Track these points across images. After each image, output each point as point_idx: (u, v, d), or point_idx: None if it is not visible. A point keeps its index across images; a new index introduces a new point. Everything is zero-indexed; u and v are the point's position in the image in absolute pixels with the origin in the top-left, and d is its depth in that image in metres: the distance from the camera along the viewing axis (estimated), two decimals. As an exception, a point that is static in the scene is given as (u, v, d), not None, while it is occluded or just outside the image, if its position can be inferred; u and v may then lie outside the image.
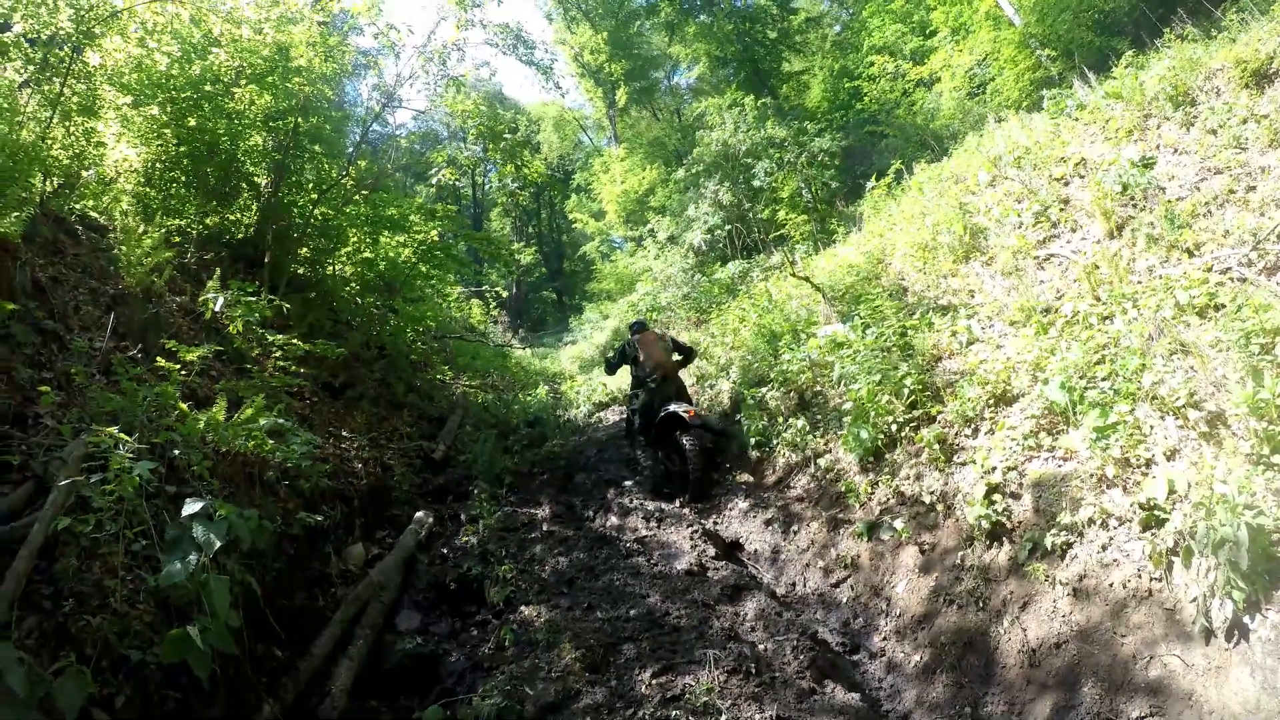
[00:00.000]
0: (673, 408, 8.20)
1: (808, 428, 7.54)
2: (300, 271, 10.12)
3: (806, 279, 10.22)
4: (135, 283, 6.53)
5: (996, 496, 4.93)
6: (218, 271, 7.05)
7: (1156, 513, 3.95)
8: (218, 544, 3.72)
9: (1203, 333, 4.74)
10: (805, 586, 6.25)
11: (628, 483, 8.95)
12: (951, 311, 7.18)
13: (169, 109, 8.17)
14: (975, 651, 4.52)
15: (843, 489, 6.55)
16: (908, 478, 5.92)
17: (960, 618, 4.77)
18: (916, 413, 6.24)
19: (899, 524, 5.67)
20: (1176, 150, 6.91)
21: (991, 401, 5.68)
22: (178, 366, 5.28)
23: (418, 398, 11.14)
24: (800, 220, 17.68)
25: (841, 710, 4.29)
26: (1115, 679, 3.69)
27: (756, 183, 17.99)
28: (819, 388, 7.88)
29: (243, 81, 8.88)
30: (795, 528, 6.90)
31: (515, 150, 11.68)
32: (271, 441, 5.41)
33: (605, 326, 24.90)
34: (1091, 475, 4.50)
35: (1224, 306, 4.89)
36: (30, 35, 7.22)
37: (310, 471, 5.92)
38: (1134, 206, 6.58)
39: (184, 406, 4.99)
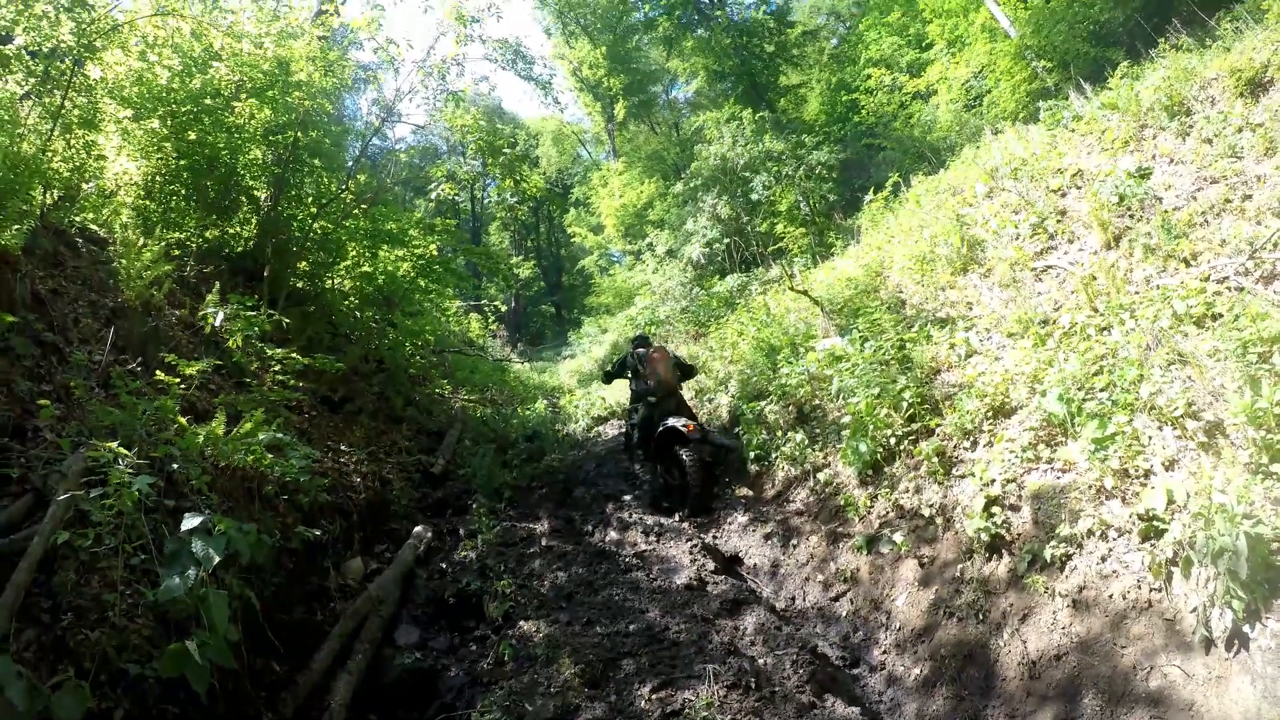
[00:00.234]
0: (672, 422, 8.19)
1: (806, 441, 7.54)
2: (299, 285, 10.13)
3: (805, 292, 10.23)
4: (135, 296, 6.54)
5: (995, 509, 4.93)
6: (217, 285, 7.07)
7: (1155, 523, 3.95)
8: (217, 559, 3.72)
9: (1200, 342, 4.75)
10: (805, 600, 6.24)
11: (627, 497, 8.93)
12: (949, 324, 7.19)
13: (169, 122, 8.20)
14: (975, 664, 4.51)
15: (842, 502, 6.54)
16: (907, 491, 5.92)
17: (960, 630, 4.76)
18: (915, 426, 6.24)
19: (898, 537, 5.67)
20: (1173, 160, 6.93)
21: (990, 414, 5.68)
22: (177, 380, 5.28)
23: (416, 412, 11.13)
24: (798, 233, 17.72)
25: (842, 723, 4.28)
26: (1116, 690, 3.69)
27: (755, 196, 18.02)
28: (818, 401, 7.88)
29: (243, 95, 8.91)
30: (794, 541, 6.88)
31: (514, 165, 11.71)
32: (270, 456, 5.41)
33: (604, 340, 24.89)
34: (1090, 486, 4.50)
35: (1221, 316, 4.91)
36: (32, 48, 7.26)
37: (309, 486, 5.91)
38: (1131, 217, 6.60)
39: (183, 420, 5.00)
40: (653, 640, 5.16)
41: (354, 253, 10.71)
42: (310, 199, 9.92)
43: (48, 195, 7.37)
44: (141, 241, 7.09)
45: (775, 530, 7.17)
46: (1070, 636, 4.09)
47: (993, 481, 5.08)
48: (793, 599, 6.34)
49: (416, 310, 12.64)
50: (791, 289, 11.01)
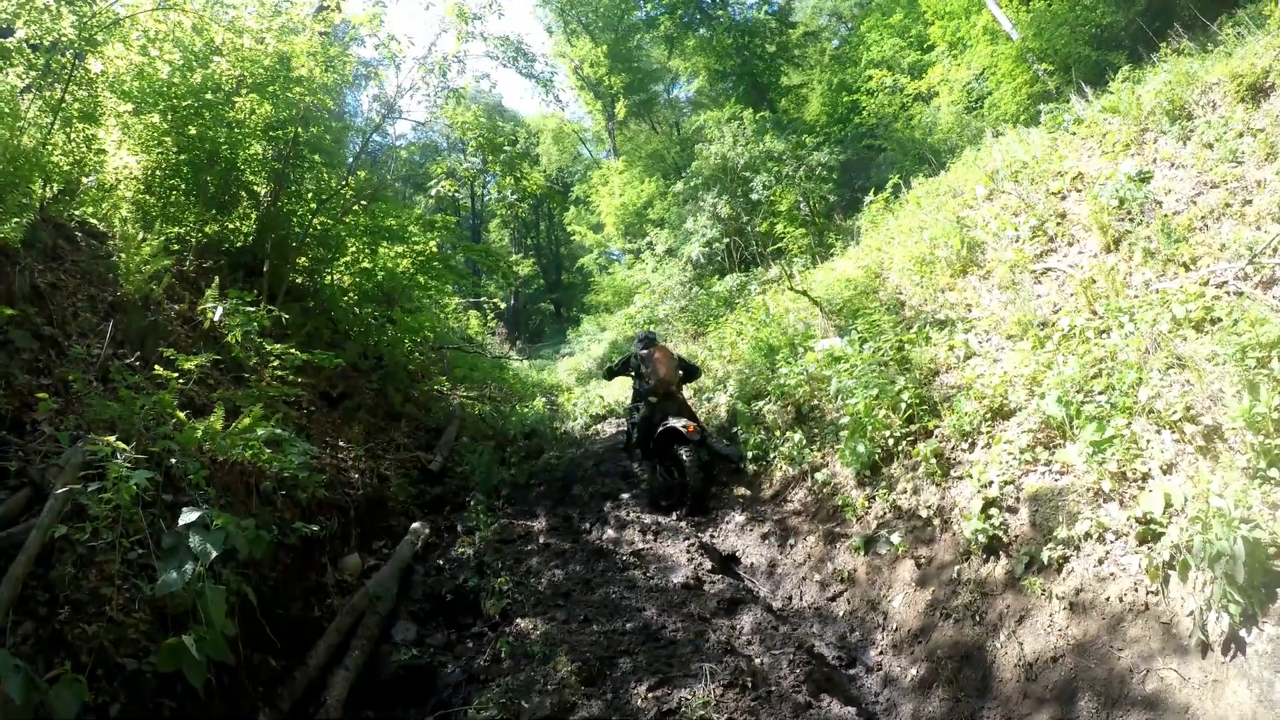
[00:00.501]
0: (673, 422, 8.19)
1: (805, 441, 7.54)
2: (299, 281, 10.13)
3: (804, 292, 10.24)
4: (134, 290, 6.53)
5: (993, 511, 4.93)
6: (216, 280, 7.06)
7: (1153, 527, 3.95)
8: (214, 553, 3.73)
9: (1199, 347, 4.76)
10: (802, 600, 6.24)
11: (624, 495, 8.92)
12: (949, 325, 7.19)
13: (170, 117, 8.19)
14: (972, 665, 4.51)
15: (840, 503, 6.54)
16: (905, 492, 5.92)
17: (957, 632, 4.76)
18: (913, 427, 6.24)
19: (896, 538, 5.67)
20: (1173, 164, 6.94)
21: (988, 416, 5.69)
22: (176, 375, 5.28)
23: (415, 408, 11.13)
24: (798, 234, 17.74)
25: (838, 723, 4.28)
26: (1112, 693, 3.69)
27: (755, 196, 18.04)
28: (816, 401, 7.88)
29: (243, 90, 8.90)
30: (792, 541, 6.89)
31: (514, 162, 11.69)
32: (269, 451, 5.41)
33: (603, 339, 24.91)
34: (1088, 489, 4.50)
35: (1220, 320, 4.91)
36: (33, 41, 7.25)
37: (307, 481, 5.90)
38: (1131, 221, 6.60)
39: (181, 415, 4.99)
40: (649, 639, 5.16)
41: (354, 249, 10.70)
42: (310, 195, 9.91)
43: (48, 189, 7.37)
44: (141, 236, 7.07)
45: (773, 530, 7.17)
46: (1067, 639, 4.09)
47: (990, 483, 5.09)
48: (790, 599, 6.34)
49: (416, 307, 12.64)
50: (791, 289, 11.02)
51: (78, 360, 5.41)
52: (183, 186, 8.67)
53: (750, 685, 4.45)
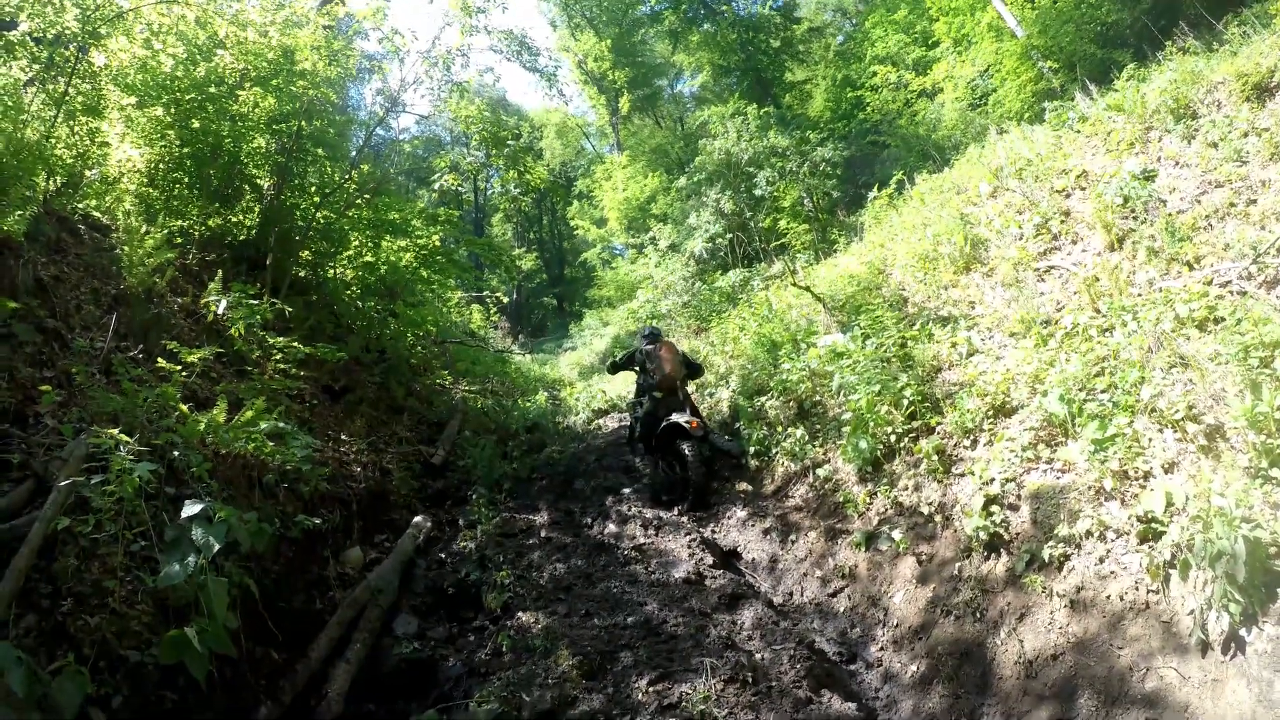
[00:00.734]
0: (676, 417, 8.19)
1: (806, 437, 7.55)
2: (302, 274, 10.13)
3: (807, 288, 10.23)
4: (137, 283, 6.54)
5: (994, 508, 4.94)
6: (219, 273, 7.06)
7: (1154, 525, 3.95)
8: (216, 546, 3.73)
9: (1202, 346, 4.75)
10: (803, 596, 6.25)
11: (626, 490, 8.93)
12: (952, 322, 7.19)
13: (173, 110, 8.18)
14: (972, 662, 4.52)
15: (841, 499, 6.55)
16: (906, 488, 5.93)
17: (957, 628, 4.77)
18: (915, 423, 6.24)
19: (897, 534, 5.68)
20: (1177, 163, 6.93)
21: (990, 413, 5.69)
22: (179, 368, 5.29)
23: (417, 402, 11.13)
24: (801, 229, 17.71)
25: None
26: (1112, 691, 3.70)
27: (758, 192, 18.01)
28: (818, 397, 7.88)
29: (247, 84, 8.91)
30: (793, 537, 6.90)
31: (518, 156, 11.69)
32: (271, 444, 5.41)
33: (605, 333, 24.89)
34: (1090, 487, 4.50)
35: (1223, 320, 4.91)
36: (36, 34, 7.25)
37: (309, 475, 5.91)
38: (1135, 219, 6.59)
39: (184, 408, 5.00)
40: (651, 633, 5.17)
41: (356, 242, 10.70)
42: (313, 188, 9.90)
43: (51, 182, 7.36)
44: (144, 229, 7.08)
45: (774, 525, 7.18)
46: (1067, 636, 4.10)
47: (992, 480, 5.09)
48: (791, 594, 6.35)
49: (418, 300, 12.64)
50: (794, 285, 11.00)
51: (81, 353, 5.41)
52: (186, 180, 8.67)
53: (751, 680, 4.46)
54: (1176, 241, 5.94)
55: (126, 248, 6.74)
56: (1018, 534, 4.78)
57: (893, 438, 6.29)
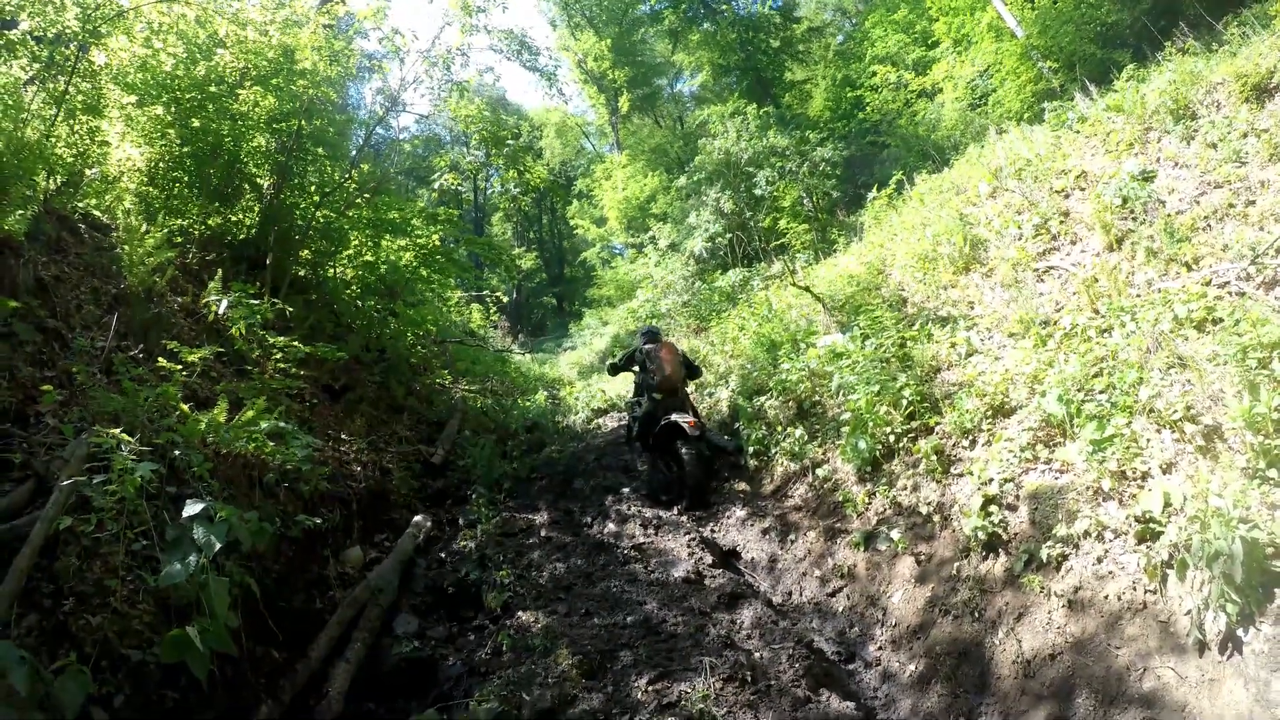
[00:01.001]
0: (674, 417, 8.21)
1: (806, 437, 7.56)
2: (302, 274, 10.14)
3: (807, 288, 10.25)
4: (137, 282, 6.55)
5: (993, 508, 4.95)
6: (219, 272, 7.07)
7: (1152, 526, 3.96)
8: (218, 545, 3.74)
9: (1200, 347, 4.76)
10: (802, 595, 6.26)
11: (626, 490, 8.95)
12: (951, 323, 7.20)
13: (173, 109, 8.19)
14: (970, 662, 4.53)
15: (840, 499, 6.56)
16: (905, 488, 5.94)
17: (956, 628, 4.78)
18: (914, 424, 6.25)
19: (896, 534, 5.69)
20: (1177, 164, 6.94)
21: (989, 413, 5.70)
22: (179, 367, 5.30)
23: (417, 401, 11.14)
24: (801, 229, 17.73)
25: (837, 719, 4.30)
26: (1109, 690, 3.71)
27: (758, 191, 18.02)
28: (818, 397, 7.90)
29: (247, 83, 8.91)
30: (792, 537, 6.91)
31: (518, 156, 11.71)
32: (272, 444, 5.42)
33: (605, 333, 24.91)
34: (1088, 488, 4.51)
35: (1222, 320, 4.91)
36: (36, 33, 7.25)
37: (309, 474, 5.92)
38: (1134, 220, 6.60)
39: (185, 407, 5.01)
40: (650, 632, 5.18)
41: (356, 242, 10.71)
42: (313, 187, 9.91)
43: (51, 180, 7.37)
44: (144, 228, 7.08)
45: (773, 525, 7.19)
46: (1065, 636, 4.11)
47: (991, 481, 5.10)
48: (790, 594, 6.36)
49: (418, 300, 12.65)
50: (793, 285, 11.02)
51: (81, 353, 5.42)
52: (186, 179, 8.68)
53: (750, 679, 4.47)
54: (1175, 242, 5.95)
55: (127, 247, 6.74)
56: (1016, 534, 4.79)
57: (891, 438, 6.30)
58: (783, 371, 8.45)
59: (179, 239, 8.15)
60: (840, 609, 5.82)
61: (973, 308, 7.41)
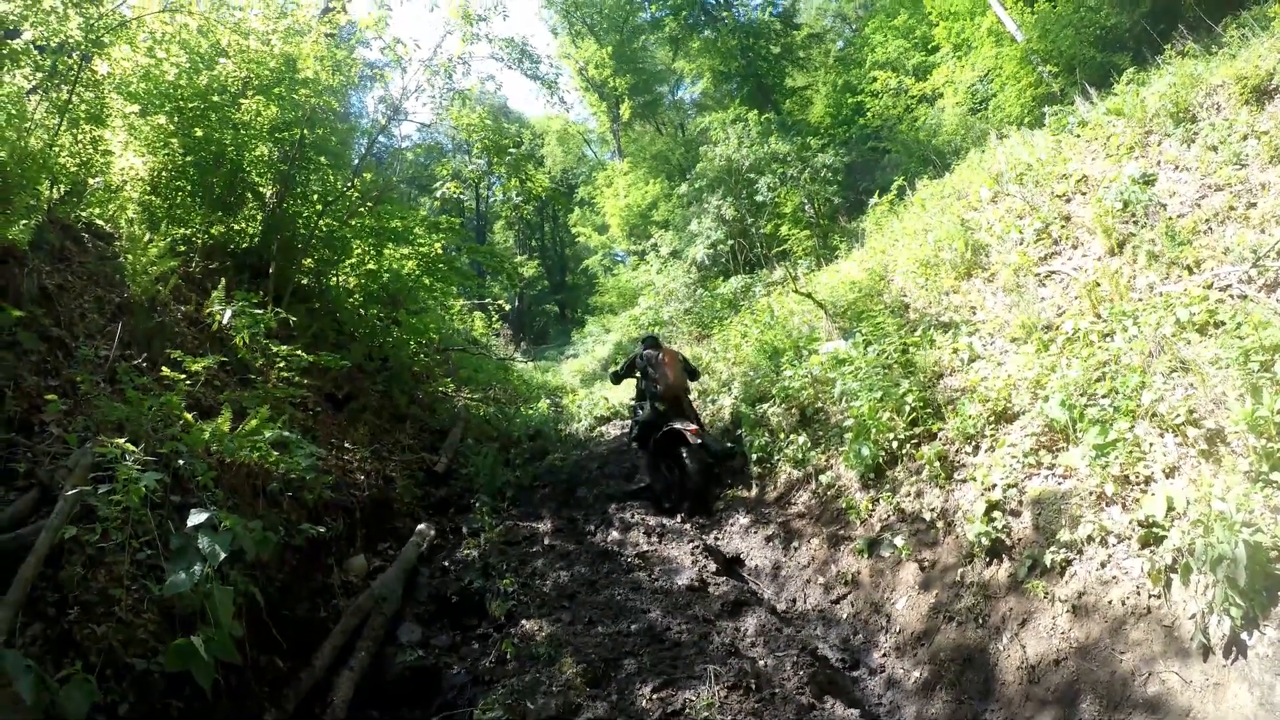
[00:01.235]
0: (676, 424, 8.22)
1: (809, 444, 7.55)
2: (304, 282, 10.16)
3: (809, 295, 10.26)
4: (141, 291, 6.56)
5: (996, 514, 4.95)
6: (223, 281, 7.09)
7: (1155, 530, 3.96)
8: (222, 554, 3.75)
9: (1202, 350, 4.76)
10: (806, 603, 6.26)
11: (629, 490, 8.98)
12: (953, 328, 7.20)
13: (176, 118, 8.22)
14: (975, 668, 4.52)
15: (843, 505, 6.56)
16: (908, 494, 5.94)
17: (960, 634, 4.77)
18: (917, 430, 6.25)
19: (899, 541, 5.68)
20: (1177, 167, 6.94)
21: (992, 419, 5.70)
22: (183, 376, 5.30)
23: (420, 410, 11.15)
24: (803, 236, 17.73)
25: (841, 725, 4.30)
26: (1114, 695, 3.70)
27: (759, 198, 18.05)
28: (820, 404, 7.89)
29: (249, 92, 8.93)
30: (796, 544, 6.90)
31: (519, 164, 11.73)
32: (276, 453, 5.43)
33: (607, 340, 24.93)
34: (1091, 493, 4.51)
35: (1224, 324, 4.91)
36: (39, 43, 7.28)
37: (313, 483, 5.92)
38: (1135, 223, 6.61)
39: (189, 416, 5.01)
40: (654, 640, 5.18)
41: (359, 250, 10.73)
42: (316, 196, 9.94)
43: (54, 190, 7.39)
44: (147, 237, 7.11)
45: (777, 532, 7.18)
46: (1069, 642, 4.11)
47: (994, 486, 5.10)
48: (794, 601, 6.36)
49: (421, 308, 12.65)
50: (795, 291, 11.03)
51: (85, 362, 5.43)
52: (189, 188, 8.70)
53: (754, 687, 4.46)
54: (1176, 246, 5.96)
55: (130, 256, 6.76)
56: (1020, 539, 4.79)
57: (895, 444, 6.30)
58: (785, 378, 8.45)
59: (182, 248, 8.16)
60: (844, 616, 5.81)
61: (975, 313, 7.41)
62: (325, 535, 5.87)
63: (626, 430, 11.36)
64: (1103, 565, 4.19)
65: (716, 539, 7.59)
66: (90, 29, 7.35)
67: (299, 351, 7.04)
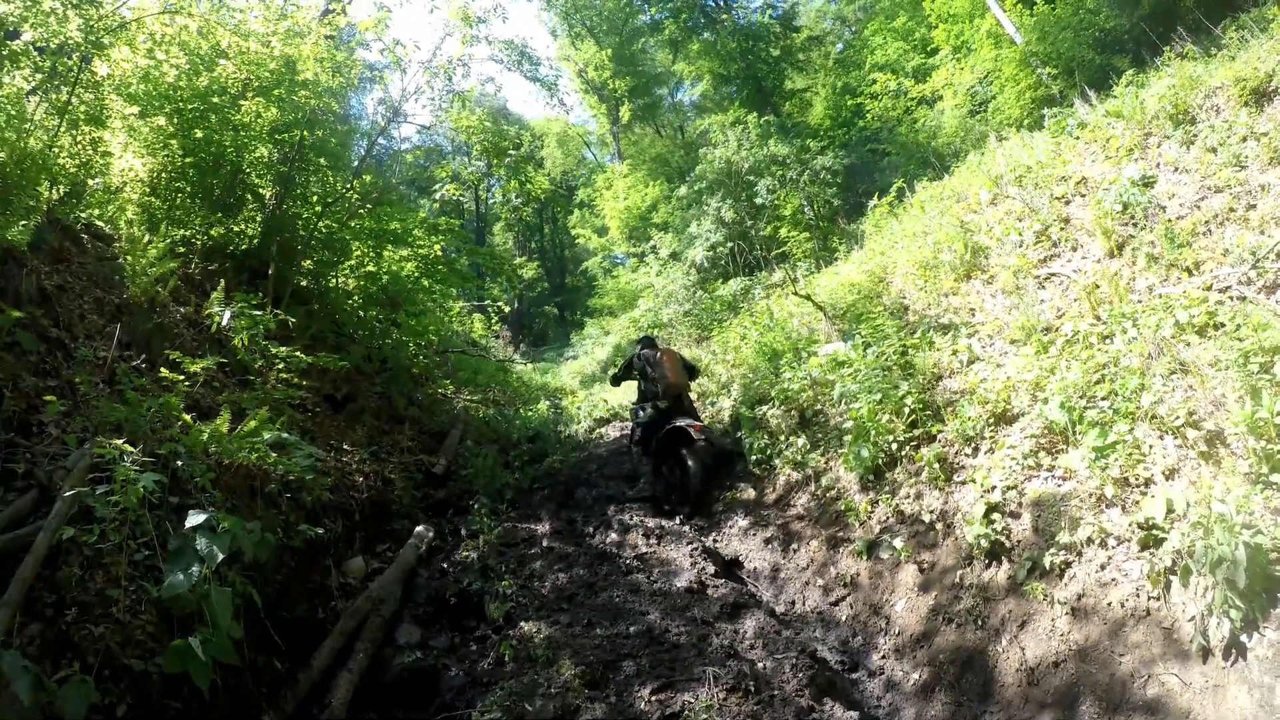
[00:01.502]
0: (679, 423, 8.21)
1: (808, 446, 7.55)
2: (304, 284, 10.16)
3: (808, 297, 10.25)
4: (140, 292, 6.56)
5: (996, 515, 4.94)
6: (222, 283, 7.08)
7: (1155, 532, 3.96)
8: (220, 556, 3.74)
9: (1202, 352, 4.76)
10: (804, 604, 6.25)
11: (629, 493, 8.97)
12: (952, 330, 7.20)
13: (175, 120, 8.22)
14: (974, 670, 4.52)
15: (843, 507, 6.55)
16: (907, 496, 5.93)
17: (959, 636, 4.77)
18: (917, 431, 6.25)
19: (898, 543, 5.68)
20: (1177, 169, 6.94)
21: (991, 420, 5.70)
22: (182, 378, 5.30)
23: (419, 411, 11.13)
24: (802, 238, 17.74)
25: (840, 727, 4.29)
26: (1113, 697, 3.70)
27: (759, 200, 18.05)
28: (820, 406, 7.89)
29: (249, 94, 8.94)
30: (795, 546, 6.90)
31: (519, 166, 11.75)
32: (274, 454, 5.42)
33: (607, 342, 24.94)
34: (1090, 494, 4.51)
35: (1223, 325, 4.92)
36: (39, 44, 7.28)
37: (312, 484, 5.92)
38: (1134, 225, 6.61)
39: (188, 418, 5.01)
40: (653, 642, 5.17)
41: (358, 252, 10.73)
42: (315, 198, 9.94)
43: (54, 191, 7.39)
44: (147, 238, 7.10)
45: (776, 534, 7.18)
46: (1069, 644, 4.10)
47: (993, 488, 5.10)
48: (793, 603, 6.35)
49: (420, 310, 12.65)
50: (795, 293, 11.02)
51: (84, 362, 5.43)
52: (188, 189, 8.71)
53: (753, 689, 4.45)
54: (1176, 247, 5.96)
55: (129, 257, 6.76)
56: (1019, 541, 4.78)
57: (894, 446, 6.30)
58: (785, 380, 8.45)
59: (181, 249, 8.15)
60: (843, 618, 5.81)
61: (974, 315, 7.41)
62: (324, 537, 5.86)
63: (626, 432, 11.34)
64: (1102, 567, 4.19)
65: (715, 541, 7.59)
66: (90, 30, 7.35)
67: (298, 353, 7.04)
